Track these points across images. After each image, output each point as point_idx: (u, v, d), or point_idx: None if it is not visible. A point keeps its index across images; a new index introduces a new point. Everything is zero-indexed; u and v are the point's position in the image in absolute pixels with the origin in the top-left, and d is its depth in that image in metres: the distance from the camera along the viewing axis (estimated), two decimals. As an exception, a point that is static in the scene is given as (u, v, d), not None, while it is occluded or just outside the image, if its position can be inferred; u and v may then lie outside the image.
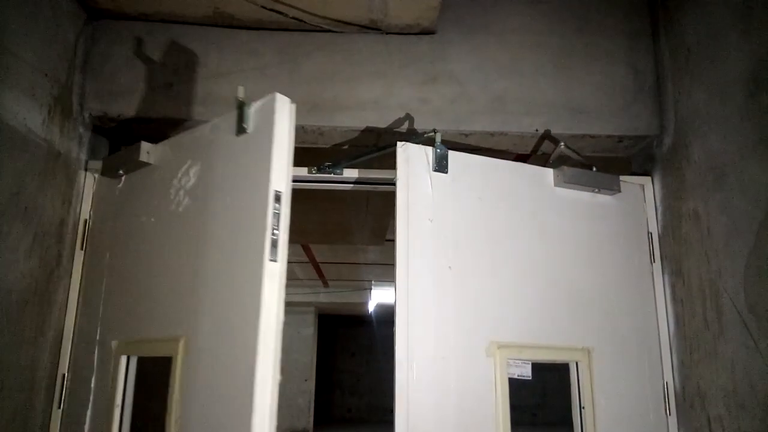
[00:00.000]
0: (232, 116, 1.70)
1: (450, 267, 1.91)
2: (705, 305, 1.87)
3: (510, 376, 1.89)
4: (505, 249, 2.00)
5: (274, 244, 1.51)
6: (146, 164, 1.95)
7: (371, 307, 10.11)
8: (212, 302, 1.62)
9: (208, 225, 1.69)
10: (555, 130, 2.17)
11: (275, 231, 1.51)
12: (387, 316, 10.78)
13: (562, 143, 2.09)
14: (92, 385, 1.90)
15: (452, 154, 2.01)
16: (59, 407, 1.93)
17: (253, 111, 1.66)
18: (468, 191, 2.00)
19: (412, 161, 1.96)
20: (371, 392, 13.10)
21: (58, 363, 1.95)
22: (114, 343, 1.88)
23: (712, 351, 1.83)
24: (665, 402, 2.02)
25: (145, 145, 1.92)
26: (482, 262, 1.96)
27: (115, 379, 1.83)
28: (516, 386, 1.89)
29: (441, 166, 1.98)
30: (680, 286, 2.01)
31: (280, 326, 1.48)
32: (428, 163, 1.97)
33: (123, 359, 1.86)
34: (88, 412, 1.88)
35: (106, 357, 1.89)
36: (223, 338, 1.55)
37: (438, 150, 1.98)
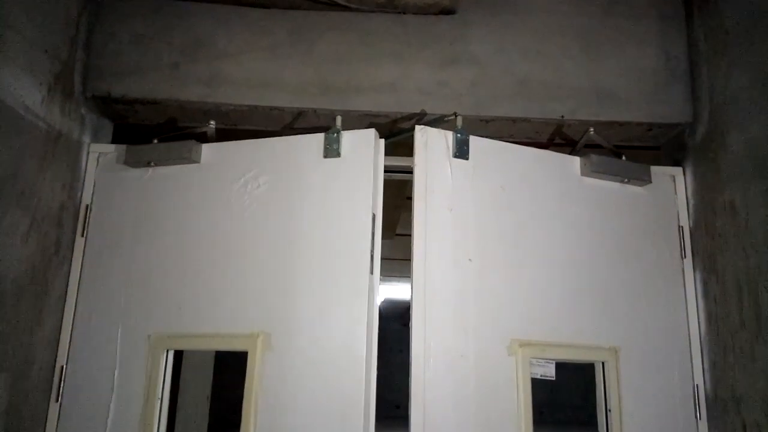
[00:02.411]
0: (317, 138, 1.87)
1: (470, 259, 1.79)
2: (742, 304, 1.75)
3: (533, 376, 1.78)
4: (529, 241, 1.88)
5: (372, 258, 1.75)
6: (191, 161, 1.94)
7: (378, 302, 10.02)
8: (303, 303, 1.75)
9: (293, 233, 1.82)
10: (581, 117, 2.05)
11: (373, 248, 1.76)
12: (394, 311, 10.68)
13: (591, 128, 1.97)
14: (115, 378, 1.82)
15: (473, 140, 1.88)
16: (57, 400, 1.84)
17: (345, 140, 1.84)
18: (490, 179, 1.88)
19: (430, 146, 1.83)
20: (379, 387, 13.03)
21: (56, 354, 1.87)
22: (152, 337, 1.83)
23: (750, 353, 1.71)
24: (696, 406, 1.90)
25: (195, 144, 1.95)
26: (505, 255, 1.84)
27: (156, 372, 1.80)
28: None
29: (462, 152, 1.85)
30: (714, 283, 1.89)
31: (377, 326, 1.75)
32: (448, 149, 1.84)
33: (164, 352, 1.82)
34: (111, 405, 1.81)
35: (137, 349, 1.83)
36: (318, 336, 1.72)
37: (459, 134, 1.86)
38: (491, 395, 1.72)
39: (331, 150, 1.84)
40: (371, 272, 1.75)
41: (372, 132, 1.84)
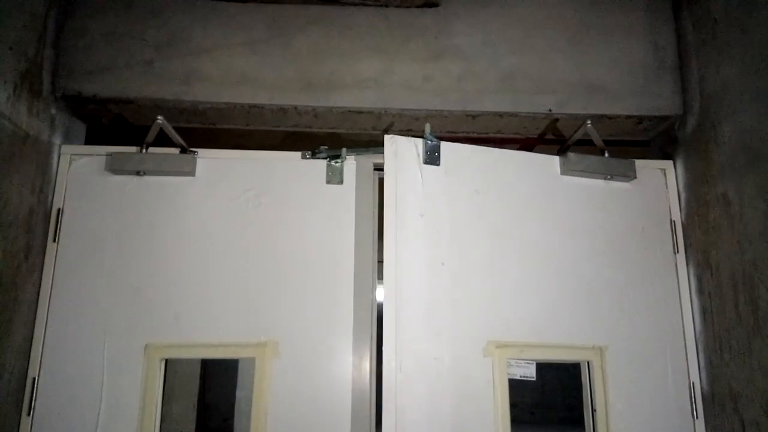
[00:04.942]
0: (320, 165, 1.98)
1: (443, 263, 1.79)
2: (737, 298, 1.70)
3: (512, 376, 1.77)
4: (506, 243, 1.88)
5: (373, 276, 1.93)
6: (186, 174, 1.95)
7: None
8: (309, 314, 1.87)
9: (298, 250, 1.92)
10: (569, 111, 2.00)
11: (374, 265, 1.94)
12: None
13: (589, 122, 1.89)
14: (103, 389, 1.78)
15: (445, 145, 1.88)
16: (28, 414, 1.75)
17: (346, 169, 1.98)
18: (463, 184, 1.88)
19: (400, 154, 1.84)
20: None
21: (27, 365, 1.78)
22: (147, 346, 1.81)
23: (746, 349, 1.66)
24: (692, 404, 1.85)
25: (191, 158, 1.95)
26: (479, 258, 1.84)
27: (152, 381, 1.79)
28: (514, 384, 1.78)
29: (432, 158, 1.86)
30: (708, 278, 1.85)
31: (375, 333, 1.91)
32: (418, 156, 1.86)
33: (159, 361, 1.81)
34: (100, 417, 1.76)
35: (128, 359, 1.80)
36: (323, 344, 1.85)
37: (428, 142, 1.86)
38: (467, 396, 1.72)
39: (334, 177, 1.97)
40: (373, 287, 1.90)
41: (371, 164, 1.99)
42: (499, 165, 1.94)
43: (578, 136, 1.94)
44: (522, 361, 1.80)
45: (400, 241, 1.77)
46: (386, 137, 1.84)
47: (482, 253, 1.85)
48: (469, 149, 1.92)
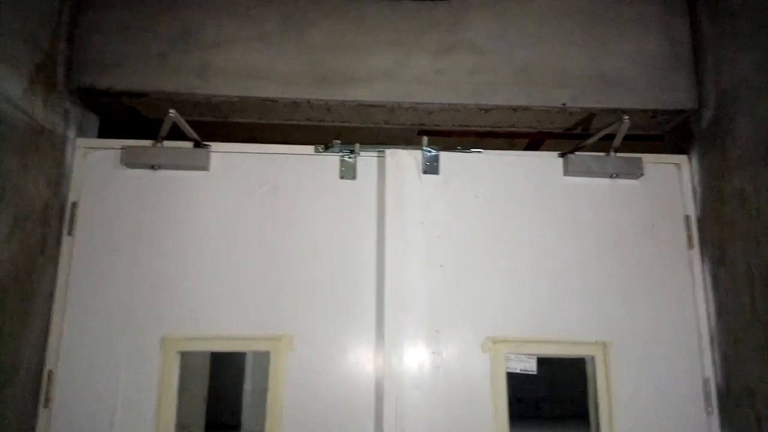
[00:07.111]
0: (332, 161, 2.00)
1: (442, 265, 1.90)
2: (754, 294, 1.69)
3: (512, 371, 1.84)
4: (506, 244, 1.95)
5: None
6: (200, 169, 1.96)
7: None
8: (322, 309, 1.89)
9: (312, 245, 1.93)
10: (583, 104, 1.98)
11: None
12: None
13: (626, 117, 1.86)
14: (120, 381, 1.80)
15: (444, 155, 1.99)
16: (45, 406, 1.77)
17: (360, 164, 2.00)
18: (462, 190, 1.97)
19: (400, 166, 1.97)
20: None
21: (44, 358, 1.79)
22: (164, 339, 1.83)
23: (764, 344, 1.65)
24: (706, 400, 1.85)
25: (206, 153, 1.97)
26: (478, 259, 1.92)
27: (169, 374, 1.82)
28: (521, 379, 1.84)
29: (432, 168, 1.98)
30: (724, 273, 1.84)
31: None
32: (418, 167, 1.97)
33: (176, 354, 1.84)
34: (117, 409, 1.78)
35: (146, 352, 1.83)
36: (336, 338, 1.87)
37: (427, 153, 1.96)
38: (465, 391, 1.81)
39: (348, 173, 1.99)
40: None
41: (384, 160, 1.99)
42: (500, 169, 2.01)
43: (609, 130, 1.91)
44: (522, 356, 1.86)
45: (400, 247, 1.89)
46: (387, 151, 1.97)
47: (481, 254, 1.92)
48: (469, 156, 2.01)
